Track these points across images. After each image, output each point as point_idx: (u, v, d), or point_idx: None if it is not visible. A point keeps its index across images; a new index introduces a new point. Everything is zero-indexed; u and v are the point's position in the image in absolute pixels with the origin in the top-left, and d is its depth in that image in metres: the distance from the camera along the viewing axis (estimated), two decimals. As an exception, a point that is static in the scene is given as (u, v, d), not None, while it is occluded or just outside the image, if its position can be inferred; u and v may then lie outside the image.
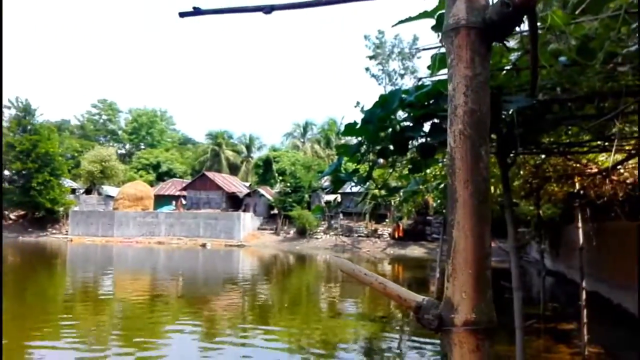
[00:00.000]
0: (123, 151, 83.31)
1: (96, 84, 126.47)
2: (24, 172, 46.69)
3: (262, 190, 48.88)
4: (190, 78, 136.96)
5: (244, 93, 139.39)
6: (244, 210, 46.12)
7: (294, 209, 41.97)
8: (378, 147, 3.18)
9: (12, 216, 50.13)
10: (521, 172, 9.72)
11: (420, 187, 7.03)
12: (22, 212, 49.71)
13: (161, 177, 66.83)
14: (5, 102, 52.38)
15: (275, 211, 45.34)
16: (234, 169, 65.45)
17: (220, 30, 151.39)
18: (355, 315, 14.76)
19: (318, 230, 41.96)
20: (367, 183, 3.61)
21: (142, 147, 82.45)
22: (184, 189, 51.42)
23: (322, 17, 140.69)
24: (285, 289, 20.40)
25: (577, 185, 9.33)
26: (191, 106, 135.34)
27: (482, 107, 1.25)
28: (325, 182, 46.87)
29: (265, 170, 55.22)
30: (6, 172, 49.87)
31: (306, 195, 44.54)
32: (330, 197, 44.07)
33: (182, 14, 1.81)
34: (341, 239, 40.07)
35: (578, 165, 8.05)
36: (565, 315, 12.81)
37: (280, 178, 49.04)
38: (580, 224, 9.29)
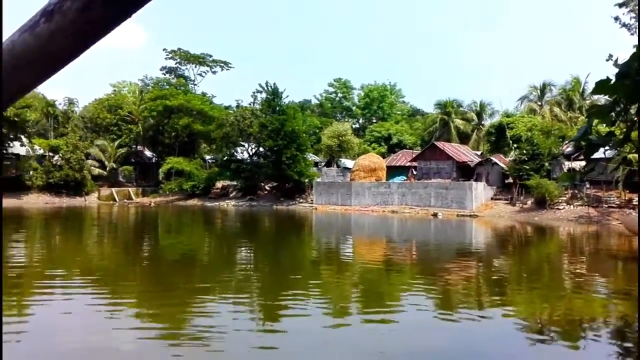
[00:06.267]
0: (357, 126, 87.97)
1: (332, 65, 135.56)
2: (275, 148, 52.72)
3: (494, 159, 46.83)
4: (417, 49, 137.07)
5: (473, 59, 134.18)
6: (476, 180, 44.87)
7: (531, 177, 39.23)
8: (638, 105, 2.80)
9: (267, 187, 57.51)
10: None
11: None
12: (275, 184, 56.54)
13: (392, 148, 68.81)
14: (257, 87, 59.71)
15: (510, 180, 43.10)
16: (464, 138, 63.88)
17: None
18: (605, 292, 13.34)
19: (559, 201, 38.56)
20: (623, 147, 3.22)
21: (374, 120, 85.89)
22: (414, 159, 52.15)
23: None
24: (523, 261, 19.40)
25: None
26: (419, 77, 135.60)
27: None
28: (567, 147, 42.68)
29: (498, 138, 52.63)
30: (261, 149, 57.17)
31: (546, 163, 41.26)
32: (574, 164, 40.04)
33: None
34: (588, 210, 36.20)
35: None
36: None
37: (515, 145, 46.12)
38: None
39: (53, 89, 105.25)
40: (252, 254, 20.92)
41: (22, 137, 54.89)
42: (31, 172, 54.04)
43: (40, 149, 57.28)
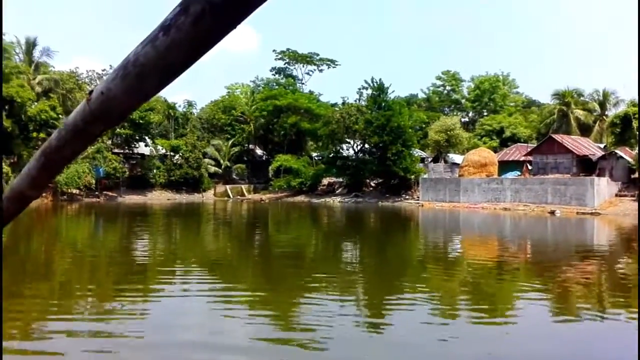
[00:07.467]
0: (466, 119, 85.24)
1: (439, 57, 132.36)
2: (380, 144, 52.68)
3: (620, 152, 43.20)
4: (532, 37, 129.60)
5: (594, 44, 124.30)
6: (598, 175, 41.72)
7: (663, 172, 35.80)
8: None
9: (372, 184, 57.61)
10: None
11: None
12: (380, 180, 56.48)
13: (505, 142, 65.93)
14: (362, 83, 59.80)
15: (637, 175, 39.58)
16: (584, 130, 59.54)
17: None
18: None
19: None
20: None
21: (485, 113, 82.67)
22: (529, 153, 49.58)
23: None
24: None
25: None
26: (535, 66, 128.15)
27: None
28: None
29: (624, 129, 48.37)
30: (366, 146, 57.36)
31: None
32: None
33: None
34: None
35: None
36: None
37: (644, 137, 42.28)
38: None
39: (174, 93, 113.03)
40: (358, 250, 21.10)
41: (147, 138, 59.84)
42: (154, 171, 58.62)
43: (162, 149, 62.04)
